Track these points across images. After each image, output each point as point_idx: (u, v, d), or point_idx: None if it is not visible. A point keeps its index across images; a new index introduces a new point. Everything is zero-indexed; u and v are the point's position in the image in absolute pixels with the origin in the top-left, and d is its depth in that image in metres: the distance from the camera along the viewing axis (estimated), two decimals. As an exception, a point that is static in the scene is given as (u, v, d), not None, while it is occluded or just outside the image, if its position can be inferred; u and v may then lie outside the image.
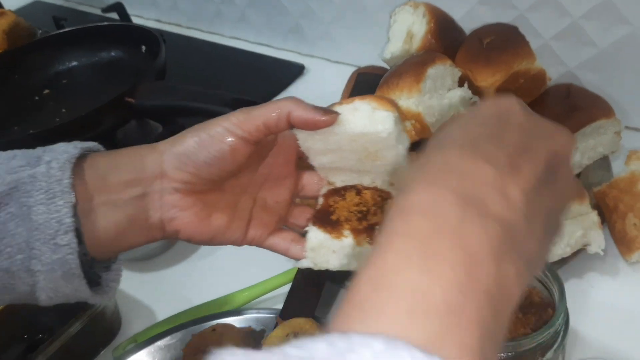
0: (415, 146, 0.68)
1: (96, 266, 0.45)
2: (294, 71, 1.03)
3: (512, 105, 0.35)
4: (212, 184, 0.46)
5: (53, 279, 0.42)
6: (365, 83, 0.77)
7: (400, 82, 0.66)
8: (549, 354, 0.48)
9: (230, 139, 0.43)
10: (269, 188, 0.49)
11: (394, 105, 0.44)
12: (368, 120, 0.43)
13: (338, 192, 0.47)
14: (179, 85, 0.82)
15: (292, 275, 0.64)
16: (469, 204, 0.29)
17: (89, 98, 0.93)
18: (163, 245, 0.75)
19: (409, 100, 0.65)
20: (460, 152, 0.31)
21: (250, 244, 0.49)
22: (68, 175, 0.42)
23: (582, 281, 0.64)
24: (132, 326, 0.67)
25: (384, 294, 0.26)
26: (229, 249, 0.49)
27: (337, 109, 0.43)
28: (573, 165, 0.70)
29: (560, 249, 0.60)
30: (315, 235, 0.46)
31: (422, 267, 0.26)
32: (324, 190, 0.48)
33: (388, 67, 0.76)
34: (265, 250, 0.49)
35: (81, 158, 0.44)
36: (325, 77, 1.02)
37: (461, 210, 0.28)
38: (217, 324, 0.61)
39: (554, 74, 0.74)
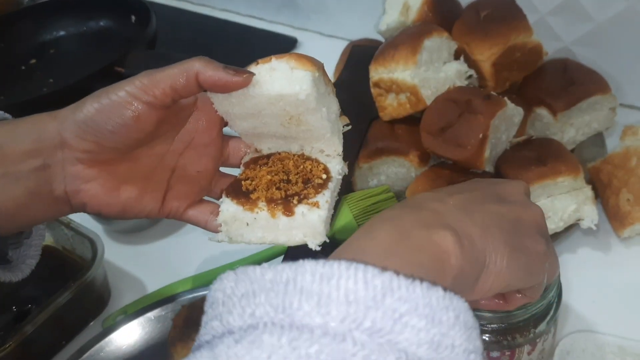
0: (410, 120, 0.68)
1: (1, 243, 0.42)
2: (286, 45, 1.01)
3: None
4: (119, 153, 0.42)
5: None
6: (360, 55, 0.76)
7: (396, 53, 0.65)
8: (542, 326, 0.48)
9: (134, 104, 0.40)
10: (190, 156, 0.45)
11: (316, 64, 0.40)
12: (286, 80, 0.39)
13: (261, 160, 0.44)
14: (171, 54, 0.80)
15: (284, 247, 0.64)
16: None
17: (77, 68, 0.92)
18: (153, 217, 0.74)
19: (404, 73, 0.65)
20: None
21: (168, 216, 0.45)
22: None
23: (575, 255, 0.64)
24: (122, 298, 0.67)
25: None
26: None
27: (253, 69, 0.41)
28: (568, 141, 0.70)
29: (553, 224, 0.60)
30: (228, 207, 0.42)
31: None
32: (246, 159, 0.45)
33: (383, 40, 0.75)
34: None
35: None
36: (318, 50, 0.98)
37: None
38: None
39: (550, 49, 0.74)
